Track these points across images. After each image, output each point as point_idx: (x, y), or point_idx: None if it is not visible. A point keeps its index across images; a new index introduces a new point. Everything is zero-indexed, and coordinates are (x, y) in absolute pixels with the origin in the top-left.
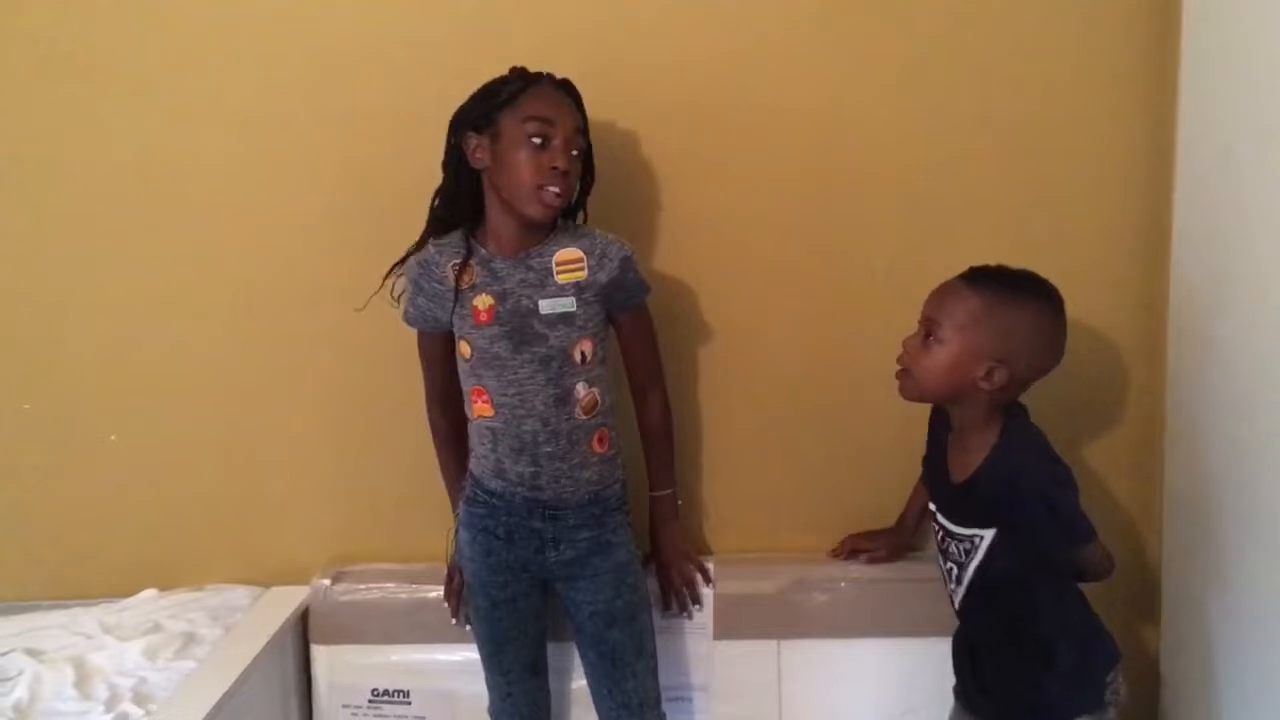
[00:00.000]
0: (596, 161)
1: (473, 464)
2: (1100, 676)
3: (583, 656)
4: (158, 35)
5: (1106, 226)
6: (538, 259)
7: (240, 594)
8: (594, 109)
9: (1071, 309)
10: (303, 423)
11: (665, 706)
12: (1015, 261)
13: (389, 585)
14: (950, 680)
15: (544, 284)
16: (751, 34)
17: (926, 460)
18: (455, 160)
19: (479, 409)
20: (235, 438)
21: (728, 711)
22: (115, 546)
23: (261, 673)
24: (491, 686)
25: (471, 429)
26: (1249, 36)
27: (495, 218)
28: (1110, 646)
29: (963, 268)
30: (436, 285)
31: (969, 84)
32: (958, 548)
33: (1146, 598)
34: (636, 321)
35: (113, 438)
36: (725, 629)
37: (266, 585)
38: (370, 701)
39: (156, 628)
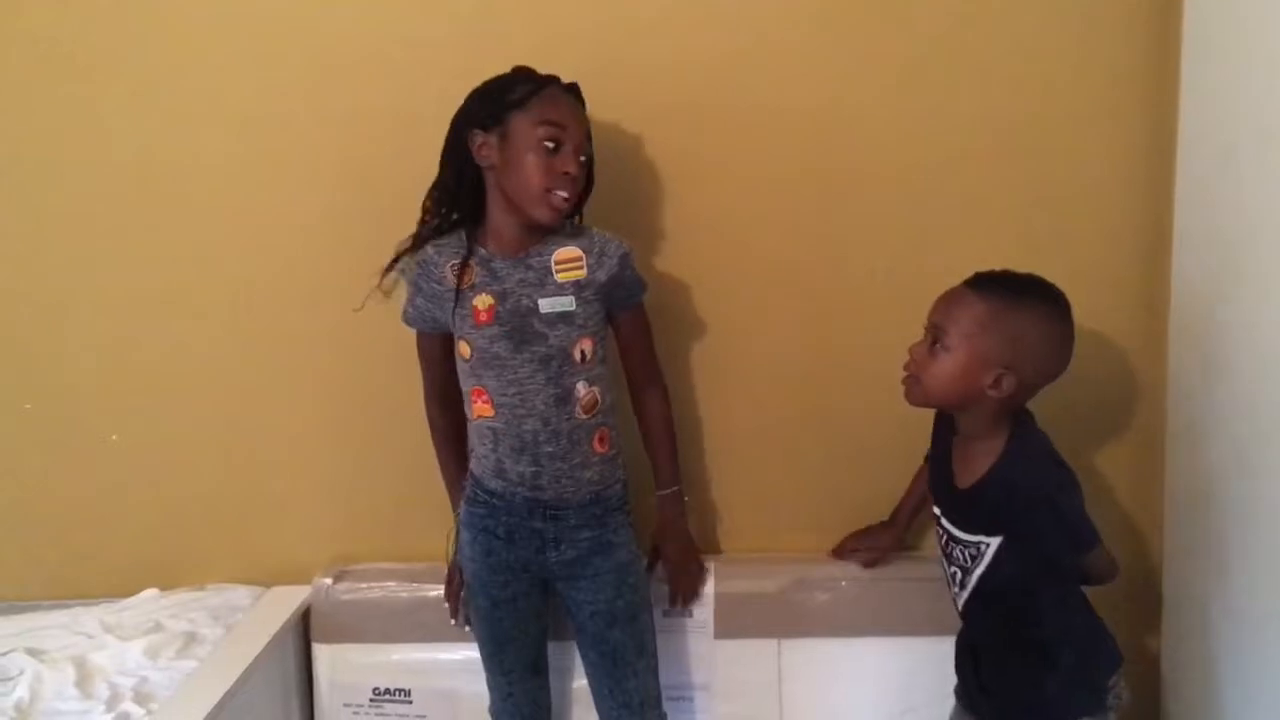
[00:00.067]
0: (597, 161)
1: (473, 464)
2: (1102, 679)
3: (583, 656)
4: (158, 35)
5: (1107, 227)
6: (537, 258)
7: (241, 594)
8: (594, 109)
9: (1073, 310)
10: (303, 423)
11: (666, 706)
12: (1015, 262)
13: (390, 584)
14: (951, 679)
15: (543, 283)
16: (751, 34)
17: (931, 463)
18: (460, 156)
19: (479, 409)
20: (236, 437)
21: (728, 711)
22: (116, 546)
23: (263, 672)
24: (492, 687)
25: (472, 429)
26: (1250, 36)
27: (497, 217)
28: (1113, 650)
29: (963, 268)
30: (435, 285)
31: (969, 84)
32: (962, 553)
33: (1148, 598)
34: (635, 320)
35: (114, 437)
36: (726, 628)
37: (267, 585)
38: (371, 700)
39: (157, 627)
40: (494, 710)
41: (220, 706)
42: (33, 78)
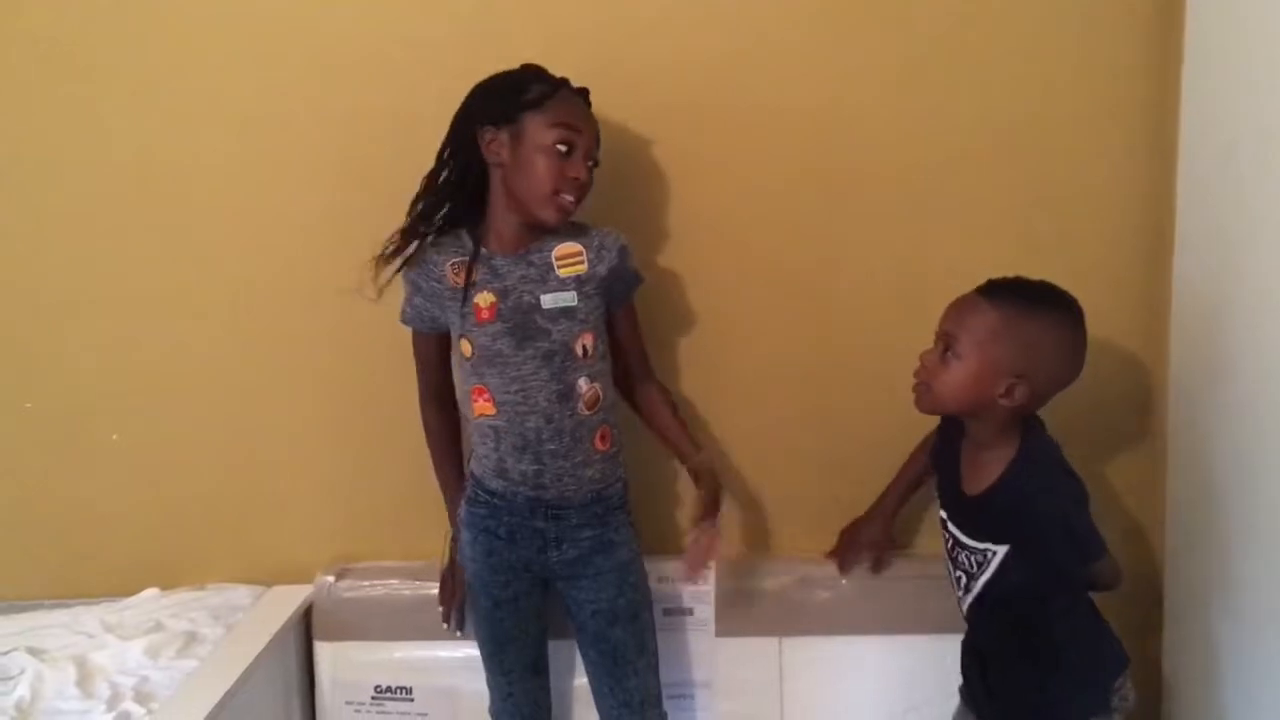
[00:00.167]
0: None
1: (474, 464)
2: (1108, 681)
3: (584, 655)
4: (158, 35)
5: (1108, 227)
6: (537, 254)
7: (242, 593)
8: (595, 109)
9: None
10: (304, 422)
11: (667, 704)
12: (1016, 262)
13: (393, 582)
14: (953, 678)
15: (545, 279)
16: (751, 34)
17: (939, 468)
18: (466, 151)
19: (480, 407)
20: (236, 437)
21: (729, 709)
22: (117, 546)
23: (264, 670)
24: (492, 687)
25: (473, 428)
26: (1251, 36)
27: (499, 215)
28: (1118, 652)
29: (964, 268)
30: (435, 285)
31: (969, 84)
32: (969, 559)
33: (1149, 599)
34: (630, 314)
35: (114, 437)
36: (727, 626)
37: (268, 585)
38: (373, 698)
39: (158, 627)
40: (494, 710)
41: (221, 705)
42: (33, 78)
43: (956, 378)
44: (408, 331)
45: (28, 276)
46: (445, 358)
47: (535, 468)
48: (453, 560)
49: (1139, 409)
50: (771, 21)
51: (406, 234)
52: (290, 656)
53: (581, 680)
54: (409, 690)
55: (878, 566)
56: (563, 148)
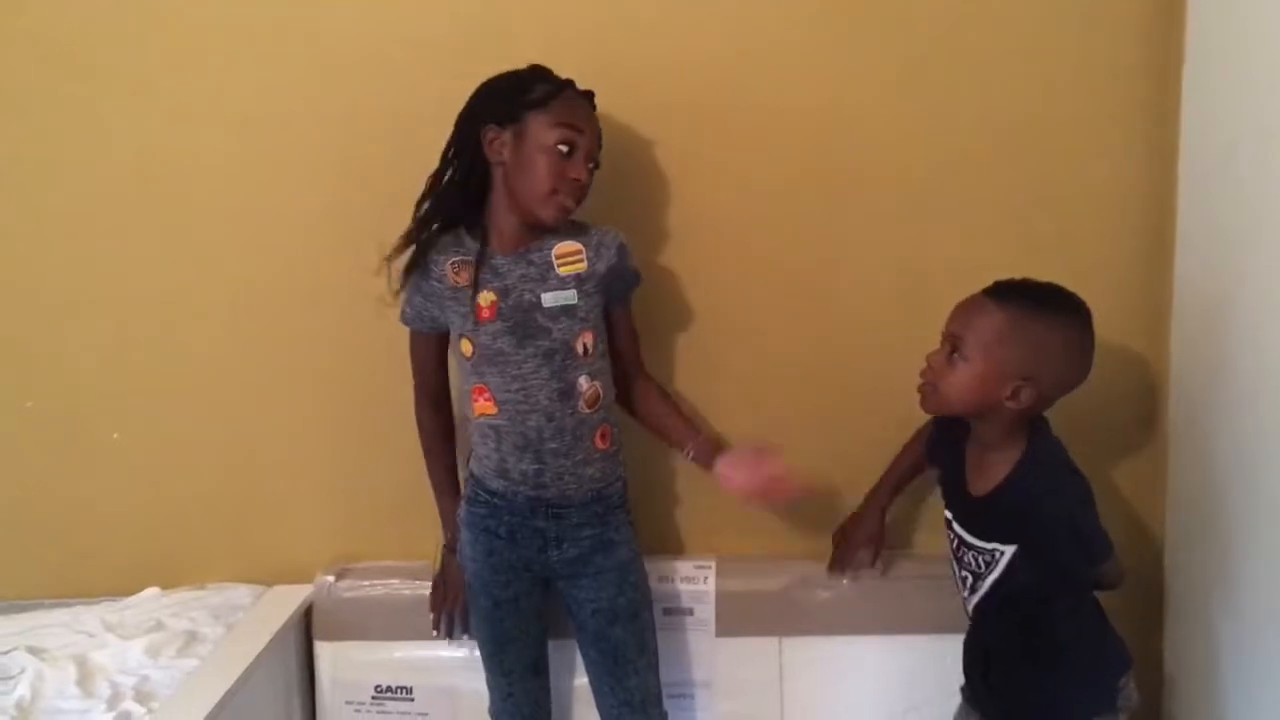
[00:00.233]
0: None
1: (473, 464)
2: (1113, 680)
3: (584, 654)
4: (158, 35)
5: (1109, 227)
6: (537, 253)
7: (242, 592)
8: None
9: (1093, 318)
10: (304, 422)
11: (667, 704)
12: (1017, 262)
13: (393, 582)
14: (953, 678)
15: (545, 278)
16: (751, 34)
17: (944, 468)
18: (470, 150)
19: (481, 407)
20: (237, 436)
21: (730, 709)
22: (117, 545)
23: (264, 670)
24: (492, 687)
25: (473, 428)
26: (1252, 35)
27: (499, 214)
28: (1122, 651)
29: (965, 268)
30: (435, 284)
31: (970, 84)
32: (975, 559)
33: (1150, 597)
34: (628, 315)
35: (115, 436)
36: (727, 626)
37: (268, 584)
38: (374, 698)
39: (159, 626)
40: (494, 710)
41: (221, 705)
42: (33, 78)
43: (963, 380)
44: (407, 331)
45: (28, 276)
46: (443, 358)
47: (536, 467)
48: (444, 567)
49: (1140, 409)
50: (771, 21)
51: (413, 232)
52: (290, 656)
53: (582, 680)
54: (409, 690)
55: (875, 560)
56: (564, 148)
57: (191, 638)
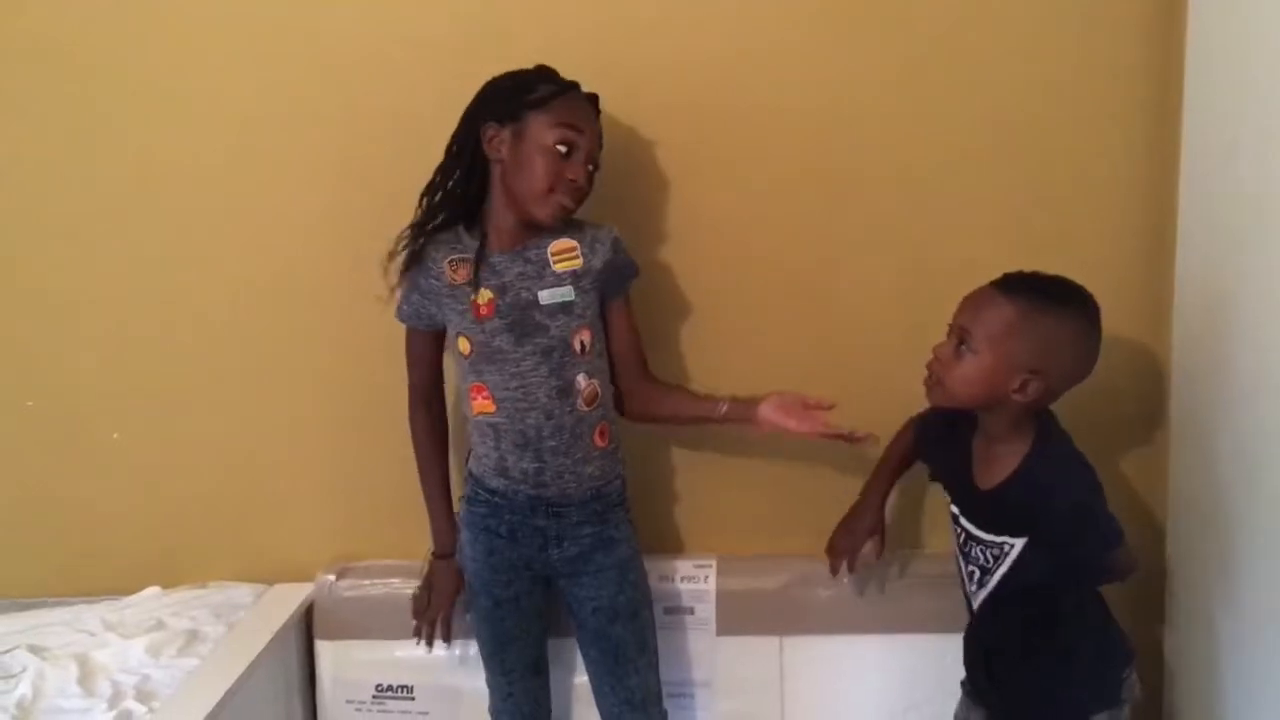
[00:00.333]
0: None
1: (472, 463)
2: (1117, 674)
3: (584, 653)
4: (158, 35)
5: (1109, 226)
6: (534, 251)
7: (243, 591)
8: None
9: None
10: (304, 421)
11: (667, 703)
12: (1017, 262)
13: (394, 581)
14: (954, 676)
15: (542, 275)
16: (752, 34)
17: (948, 462)
18: (471, 147)
19: (479, 405)
20: (237, 436)
21: (730, 708)
22: (118, 544)
23: (265, 669)
24: (492, 686)
25: (471, 427)
26: (1254, 34)
27: (498, 212)
28: (1125, 644)
29: (965, 268)
30: (433, 281)
31: (971, 83)
32: (983, 553)
33: (1152, 593)
34: (627, 311)
35: (115, 436)
36: (728, 625)
37: (269, 583)
38: (374, 697)
39: (159, 625)
40: (494, 709)
41: (222, 704)
42: (33, 78)
43: (970, 372)
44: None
45: (28, 276)
46: (438, 356)
47: (536, 465)
48: (429, 574)
49: (1142, 407)
50: (771, 21)
51: (416, 229)
52: (291, 655)
53: (582, 679)
54: (410, 689)
55: (881, 552)
56: (563, 148)
57: (192, 637)
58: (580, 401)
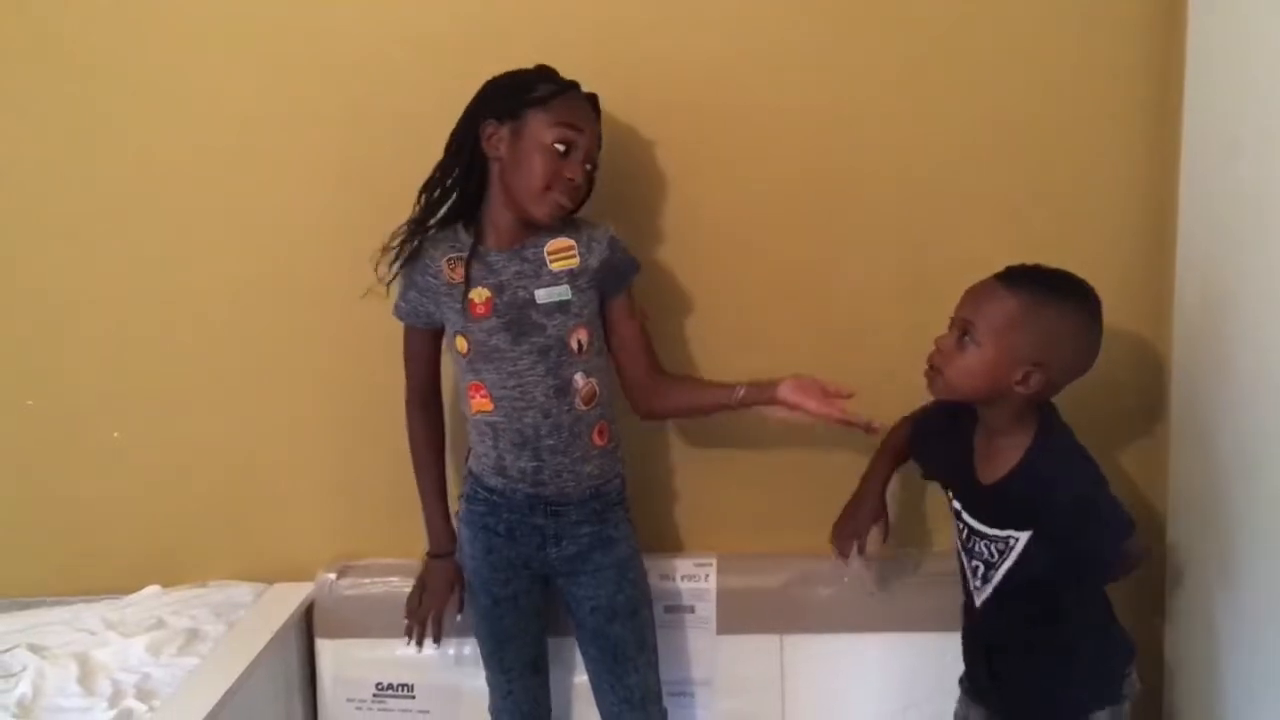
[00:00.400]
0: (600, 160)
1: (471, 462)
2: (1119, 671)
3: (584, 652)
4: (158, 35)
5: (1110, 225)
6: (531, 250)
7: (243, 590)
8: None
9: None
10: (305, 420)
11: (668, 701)
12: (1018, 260)
13: (394, 580)
14: (954, 674)
15: (539, 274)
16: (752, 34)
17: (949, 457)
18: (470, 145)
19: (477, 404)
20: (238, 435)
21: (730, 706)
22: (118, 543)
23: (265, 668)
24: (492, 685)
25: (470, 426)
26: (1254, 34)
27: (496, 210)
28: (1127, 641)
29: (967, 268)
30: (431, 279)
31: (971, 83)
32: (987, 547)
33: (1154, 591)
34: (630, 303)
35: (116, 435)
36: (728, 624)
37: (269, 582)
38: (374, 696)
39: (160, 624)
40: (494, 708)
41: (223, 703)
42: (33, 78)
43: (972, 364)
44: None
45: (28, 276)
46: (435, 355)
47: (534, 464)
48: (424, 574)
49: (1142, 405)
50: (771, 21)
51: (414, 225)
52: (291, 654)
53: (582, 678)
54: (410, 688)
55: (885, 538)
56: (561, 147)
57: (193, 635)
58: (578, 400)
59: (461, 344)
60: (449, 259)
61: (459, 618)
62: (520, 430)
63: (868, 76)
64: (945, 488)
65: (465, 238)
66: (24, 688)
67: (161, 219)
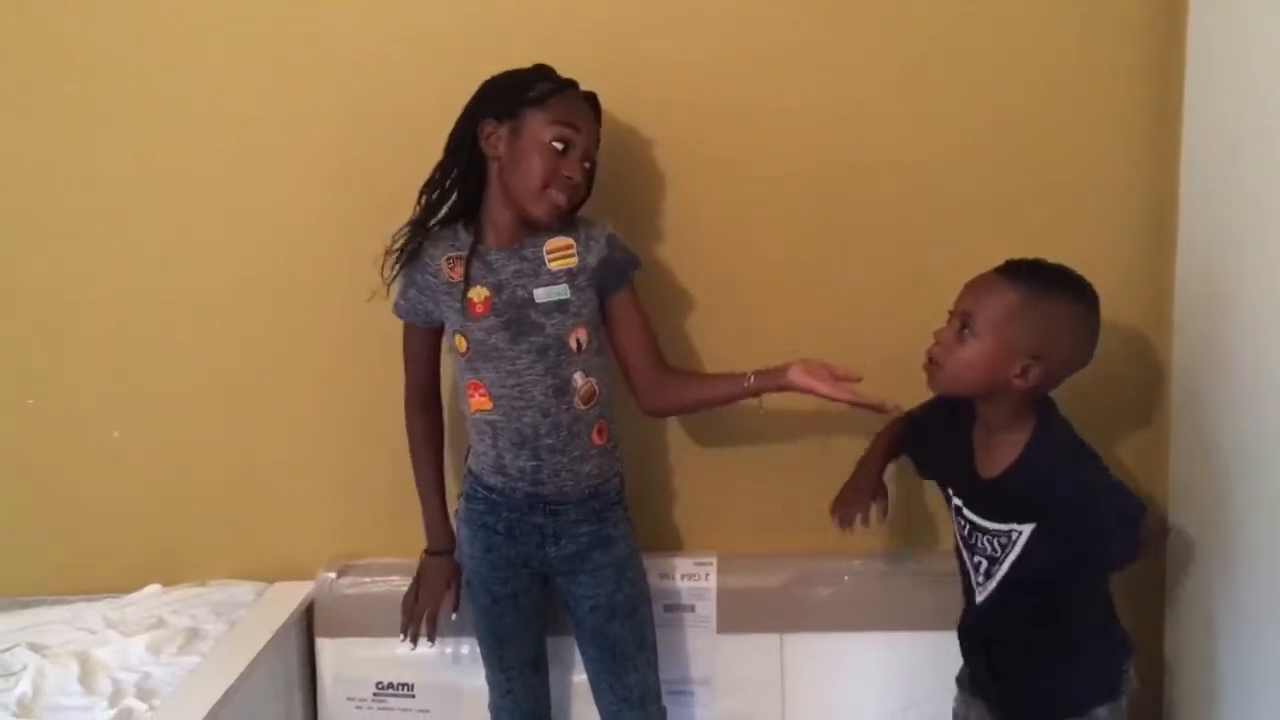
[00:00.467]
0: (600, 159)
1: (471, 461)
2: (1118, 668)
3: (583, 651)
4: (158, 35)
5: (1111, 224)
6: (530, 249)
7: (243, 589)
8: None
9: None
10: (305, 419)
11: (667, 700)
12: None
13: (394, 579)
14: (954, 673)
15: (538, 273)
16: (752, 34)
17: (947, 454)
18: (469, 144)
19: (476, 403)
20: (238, 434)
21: (730, 705)
22: (118, 542)
23: (265, 667)
24: (492, 684)
25: (470, 425)
26: (1254, 34)
27: (495, 209)
28: (1126, 638)
29: (968, 268)
30: (430, 278)
31: (971, 83)
32: (990, 542)
33: (1153, 586)
34: (631, 299)
35: (116, 434)
36: (728, 623)
37: (269, 581)
38: (375, 695)
39: (160, 623)
40: (493, 707)
41: (223, 702)
42: (33, 78)
43: (972, 357)
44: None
45: (29, 274)
46: (435, 354)
47: (533, 463)
48: (421, 572)
49: (1142, 404)
50: (771, 21)
51: (415, 225)
52: (292, 653)
53: (581, 676)
54: (410, 686)
55: (885, 514)
56: (559, 146)
57: (193, 635)
58: (577, 400)
59: (461, 343)
60: (448, 258)
61: (454, 616)
62: (519, 429)
63: (868, 76)
64: (944, 484)
65: (465, 237)
66: (24, 686)
67: (161, 219)
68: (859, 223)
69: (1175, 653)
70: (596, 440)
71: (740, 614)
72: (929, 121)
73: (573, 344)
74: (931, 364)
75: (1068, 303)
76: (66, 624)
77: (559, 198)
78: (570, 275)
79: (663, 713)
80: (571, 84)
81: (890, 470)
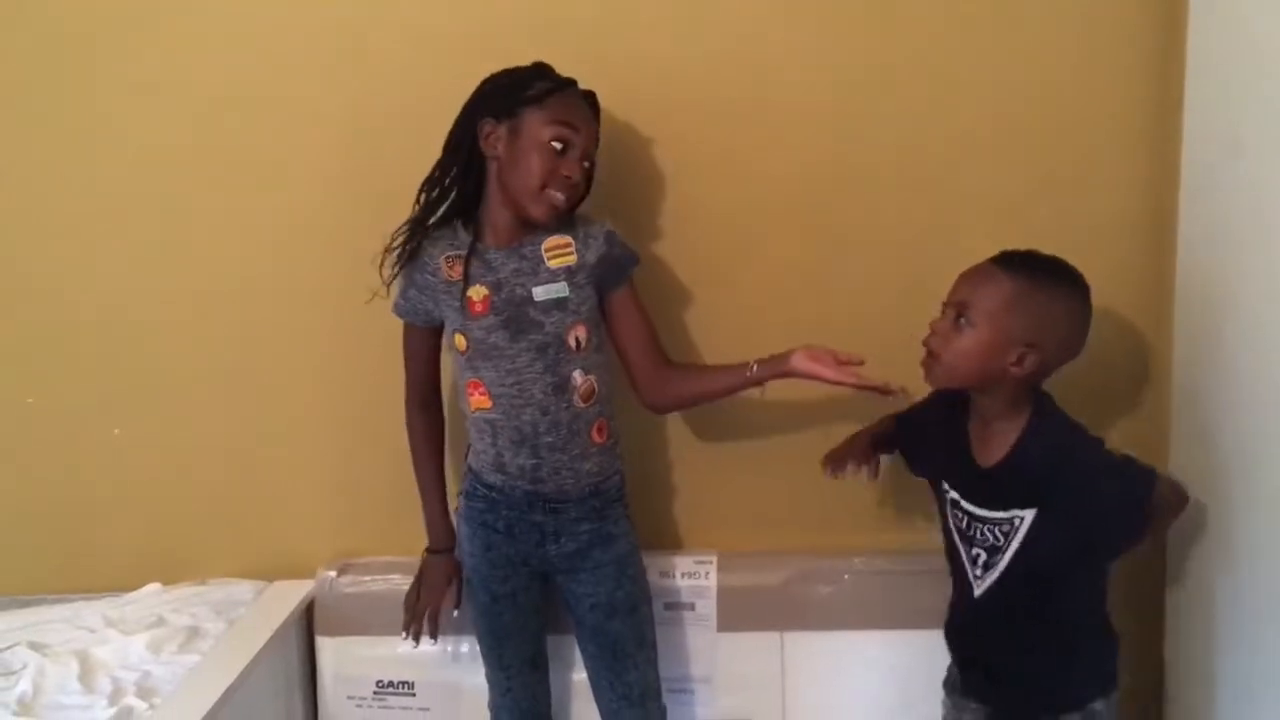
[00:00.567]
0: (599, 158)
1: (471, 459)
2: (1112, 662)
3: (583, 649)
4: (158, 34)
5: (1111, 224)
6: (529, 247)
7: (243, 588)
8: None
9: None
10: (305, 418)
11: (667, 698)
12: None
13: (394, 577)
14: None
15: (536, 271)
16: (751, 32)
17: (942, 448)
18: (468, 144)
19: (476, 401)
20: (238, 432)
21: (730, 704)
22: (118, 541)
23: (265, 666)
24: (492, 682)
25: (469, 424)
26: (1254, 34)
27: (494, 208)
28: (1114, 628)
29: (969, 263)
30: (429, 277)
31: (973, 79)
32: (992, 531)
33: (1152, 588)
34: (631, 296)
35: (116, 433)
36: (728, 621)
37: (269, 580)
38: (375, 693)
39: (160, 622)
40: (493, 705)
41: (223, 701)
42: (33, 77)
43: (968, 346)
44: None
45: (28, 276)
46: (434, 353)
47: (533, 461)
48: (423, 570)
49: (1142, 402)
50: (771, 19)
51: (414, 224)
52: (292, 651)
53: (581, 675)
54: (410, 685)
55: (875, 473)
56: (558, 145)
57: (193, 633)
58: (576, 398)
59: (460, 342)
60: (447, 257)
61: (455, 614)
62: (519, 428)
63: (868, 75)
64: (938, 480)
65: (464, 236)
66: (24, 685)
67: (161, 219)
68: (858, 221)
69: (1175, 653)
70: (596, 438)
71: (740, 612)
72: (929, 120)
73: (572, 342)
74: (929, 357)
75: (1062, 292)
76: (66, 623)
77: (558, 197)
78: (569, 273)
79: (663, 711)
80: (570, 83)
81: (884, 464)
